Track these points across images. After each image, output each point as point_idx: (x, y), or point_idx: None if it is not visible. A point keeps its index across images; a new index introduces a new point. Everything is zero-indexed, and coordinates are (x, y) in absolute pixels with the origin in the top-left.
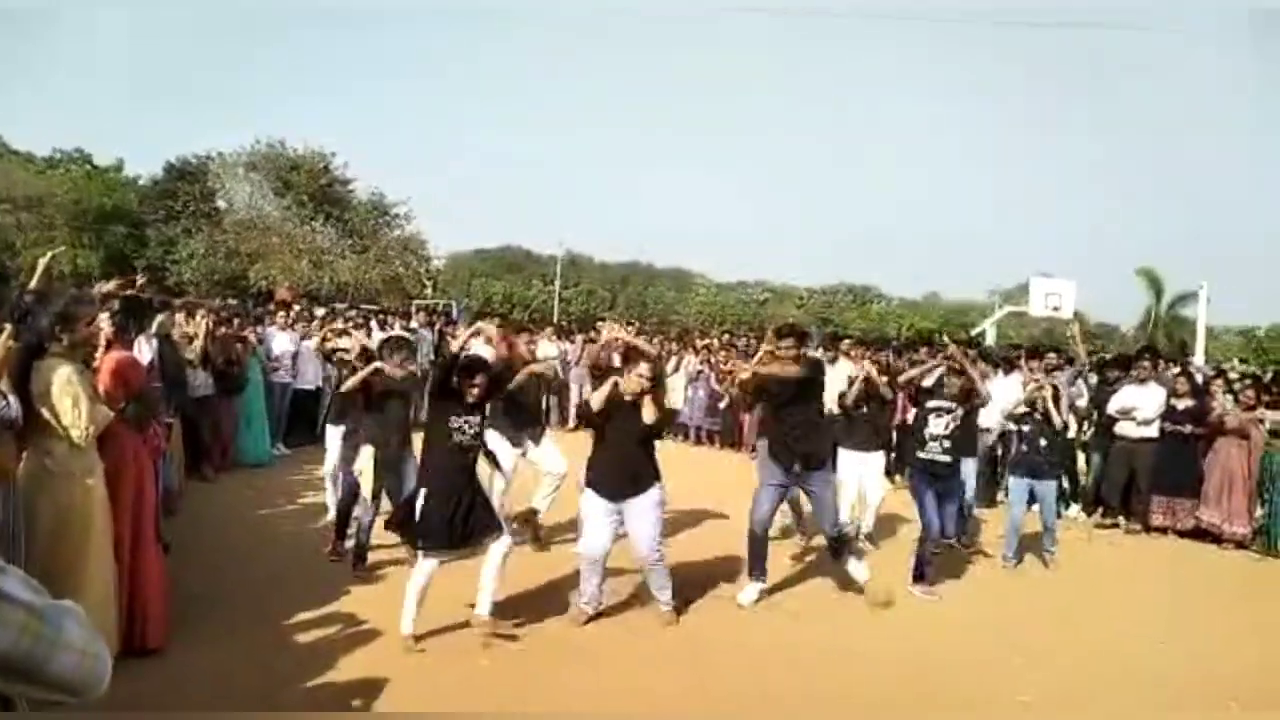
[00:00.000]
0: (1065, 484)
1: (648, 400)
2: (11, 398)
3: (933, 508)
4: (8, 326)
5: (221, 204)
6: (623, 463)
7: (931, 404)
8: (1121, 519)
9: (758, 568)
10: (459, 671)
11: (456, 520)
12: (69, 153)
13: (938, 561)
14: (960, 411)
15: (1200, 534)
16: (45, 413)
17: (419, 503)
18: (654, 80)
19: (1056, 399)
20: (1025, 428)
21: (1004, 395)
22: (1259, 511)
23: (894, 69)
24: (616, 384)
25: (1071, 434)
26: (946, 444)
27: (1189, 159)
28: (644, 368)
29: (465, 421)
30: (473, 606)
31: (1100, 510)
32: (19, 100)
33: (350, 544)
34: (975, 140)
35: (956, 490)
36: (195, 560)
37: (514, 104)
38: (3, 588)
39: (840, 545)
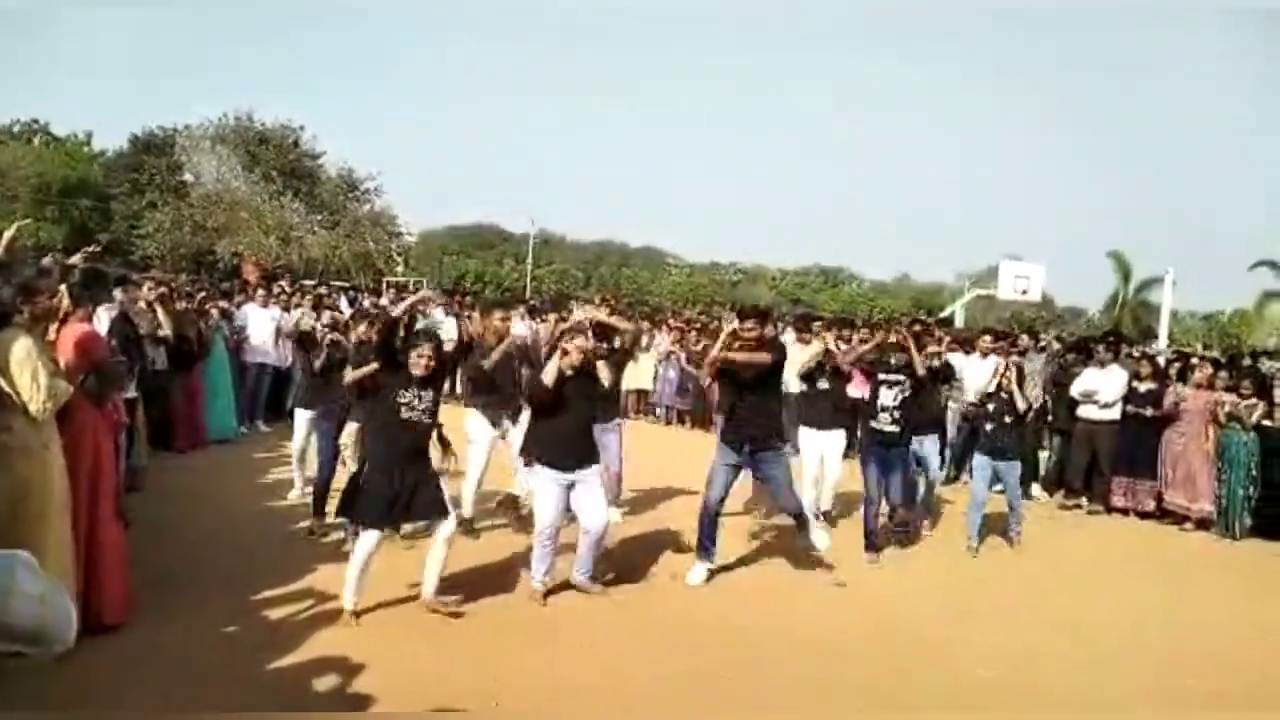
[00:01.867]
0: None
1: (600, 365)
2: None
3: (876, 478)
4: None
5: (188, 177)
6: (574, 437)
7: (881, 376)
8: (1084, 500)
9: (705, 547)
10: (422, 649)
11: (400, 497)
12: (28, 124)
13: (897, 538)
14: (908, 384)
15: (1159, 515)
16: (3, 385)
17: (361, 478)
18: (629, 59)
19: (1021, 381)
20: (990, 408)
21: (975, 376)
22: (1218, 492)
23: (869, 53)
24: (564, 354)
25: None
26: (896, 414)
27: (1160, 145)
28: (580, 340)
29: (415, 396)
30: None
31: (1063, 491)
32: None
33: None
34: (947, 124)
35: (903, 462)
36: (160, 537)
37: (488, 80)
38: None
39: (802, 522)
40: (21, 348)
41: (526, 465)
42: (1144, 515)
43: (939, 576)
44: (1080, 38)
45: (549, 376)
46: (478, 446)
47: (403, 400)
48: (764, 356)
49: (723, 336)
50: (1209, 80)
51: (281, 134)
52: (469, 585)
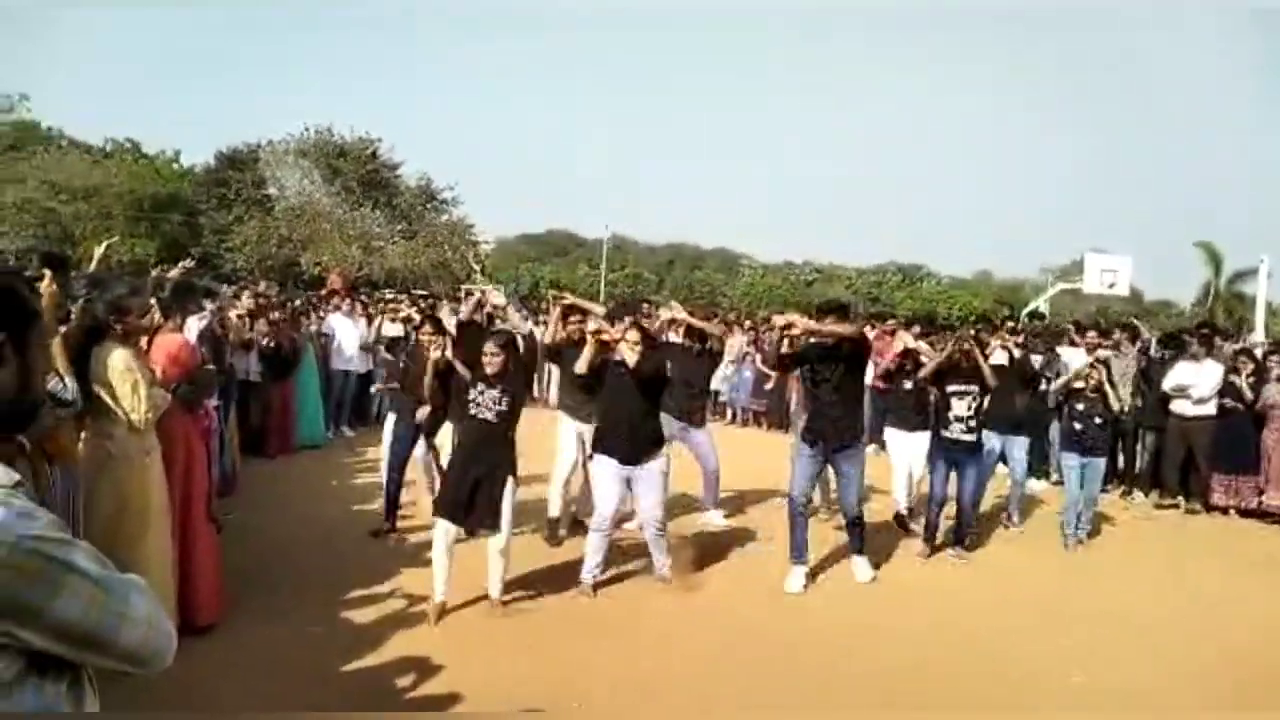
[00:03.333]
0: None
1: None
2: (69, 380)
3: (942, 480)
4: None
5: (273, 191)
6: (631, 429)
7: (952, 387)
8: (1181, 499)
9: (798, 550)
10: (497, 649)
11: (462, 497)
12: (120, 142)
13: (968, 534)
14: (979, 391)
15: (1265, 514)
16: (104, 396)
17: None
18: (701, 62)
19: (1110, 376)
20: (1079, 405)
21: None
22: None
23: (945, 45)
24: (601, 343)
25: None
26: (971, 423)
27: (1247, 130)
28: (634, 334)
29: (482, 394)
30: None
31: (1158, 490)
32: (72, 90)
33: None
34: (1029, 115)
35: (977, 464)
36: (251, 540)
37: (560, 88)
38: (73, 560)
39: (857, 529)
40: (121, 359)
41: (591, 458)
42: (1246, 514)
43: (1028, 577)
44: (1161, 31)
45: (580, 364)
46: (565, 449)
47: (471, 397)
48: (845, 328)
49: (801, 329)
50: None
51: (360, 146)
52: (542, 583)
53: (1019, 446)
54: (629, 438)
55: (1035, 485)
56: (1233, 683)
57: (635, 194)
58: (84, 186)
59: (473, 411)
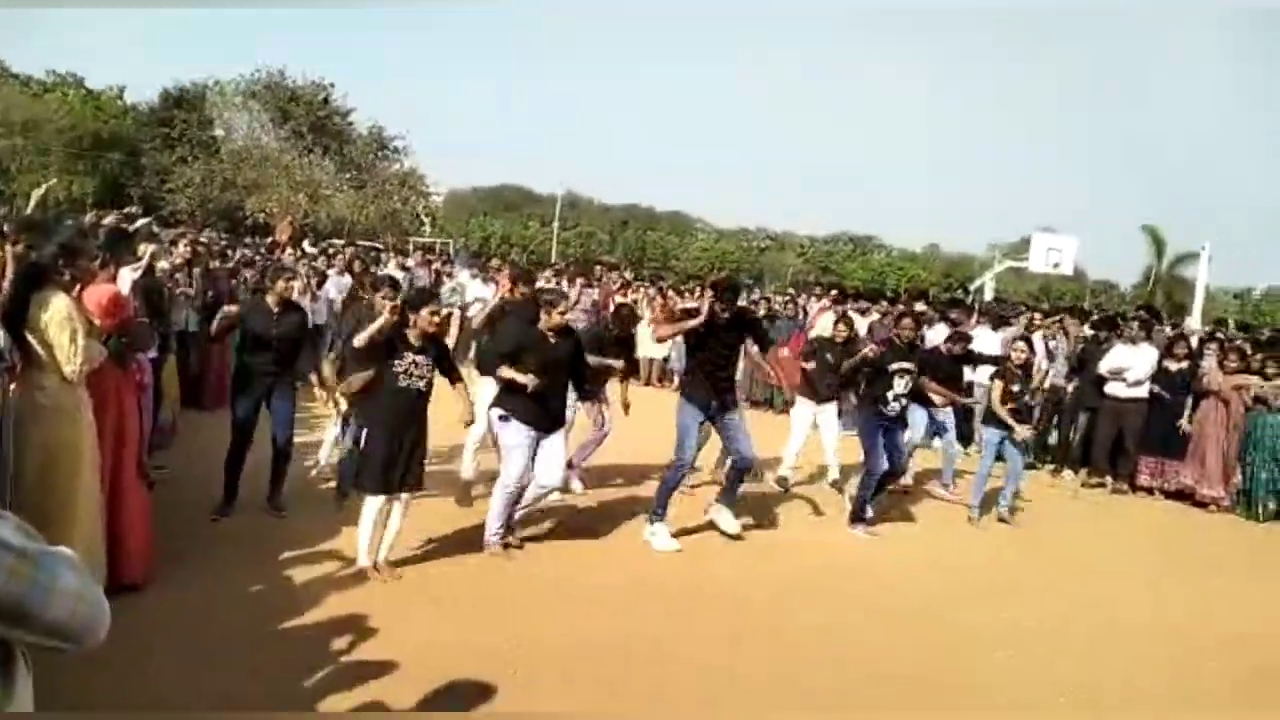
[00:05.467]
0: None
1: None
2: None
3: (880, 452)
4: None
5: (219, 133)
6: (550, 400)
7: (894, 366)
8: (1109, 478)
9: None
10: (435, 608)
11: (397, 464)
12: (63, 76)
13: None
14: (917, 371)
15: (1186, 496)
16: (37, 346)
17: (361, 444)
18: (660, 21)
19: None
20: (1013, 385)
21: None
22: (1237, 476)
23: (901, 21)
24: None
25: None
26: (904, 400)
27: (1196, 118)
28: (563, 307)
29: (413, 363)
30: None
31: (1087, 469)
32: (14, 20)
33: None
34: (979, 91)
35: (901, 430)
36: (186, 496)
37: (518, 41)
38: None
39: (736, 482)
40: (63, 308)
41: (502, 420)
42: (1170, 495)
43: (950, 554)
44: (1116, 16)
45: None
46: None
47: (401, 367)
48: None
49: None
50: (1249, 52)
51: (312, 91)
52: (467, 544)
53: (946, 413)
54: (549, 408)
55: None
56: (1154, 660)
57: (592, 152)
58: (22, 120)
59: (402, 382)
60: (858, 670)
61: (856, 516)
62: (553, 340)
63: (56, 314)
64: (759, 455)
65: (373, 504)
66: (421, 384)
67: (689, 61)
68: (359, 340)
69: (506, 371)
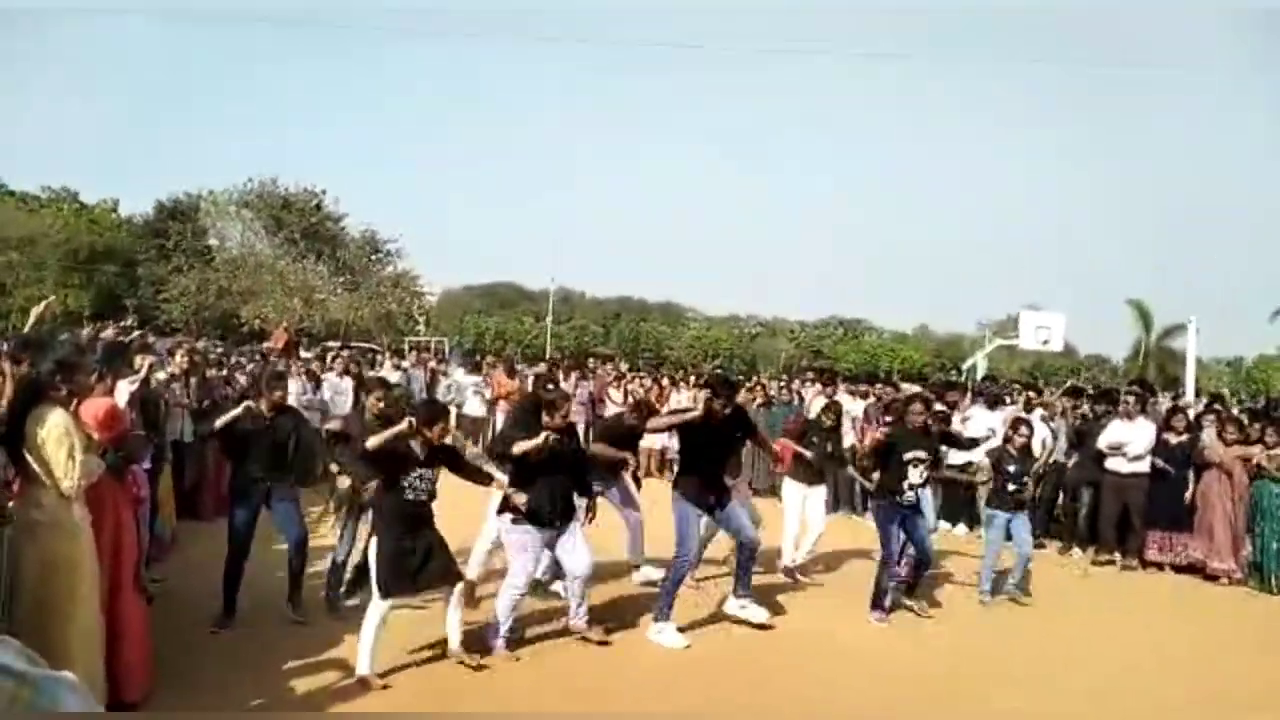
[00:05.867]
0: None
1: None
2: None
3: (897, 540)
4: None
5: (213, 242)
6: (562, 493)
7: (909, 455)
8: (1118, 555)
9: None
10: (439, 710)
11: (413, 564)
12: (58, 191)
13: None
14: (931, 460)
15: (1197, 569)
16: (34, 463)
17: (372, 552)
18: (644, 115)
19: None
20: (1010, 466)
21: (987, 429)
22: (1247, 548)
23: (885, 102)
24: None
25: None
26: (920, 490)
27: (1177, 192)
28: (565, 409)
29: (418, 476)
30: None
31: (1094, 547)
32: (9, 137)
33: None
34: (965, 174)
35: (921, 519)
36: (185, 608)
37: (506, 140)
38: None
39: (748, 564)
40: (60, 424)
41: (513, 524)
42: (1180, 570)
43: (956, 637)
44: (1100, 85)
45: (530, 447)
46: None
47: (405, 483)
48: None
49: (701, 403)
50: (1233, 125)
51: (304, 198)
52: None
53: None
54: (562, 503)
55: (960, 530)
56: None
57: (582, 247)
58: (18, 236)
59: (408, 495)
60: None
61: (876, 603)
62: (556, 439)
63: (54, 430)
64: (762, 542)
65: (376, 611)
66: (425, 495)
67: (674, 156)
68: (372, 443)
69: (518, 446)
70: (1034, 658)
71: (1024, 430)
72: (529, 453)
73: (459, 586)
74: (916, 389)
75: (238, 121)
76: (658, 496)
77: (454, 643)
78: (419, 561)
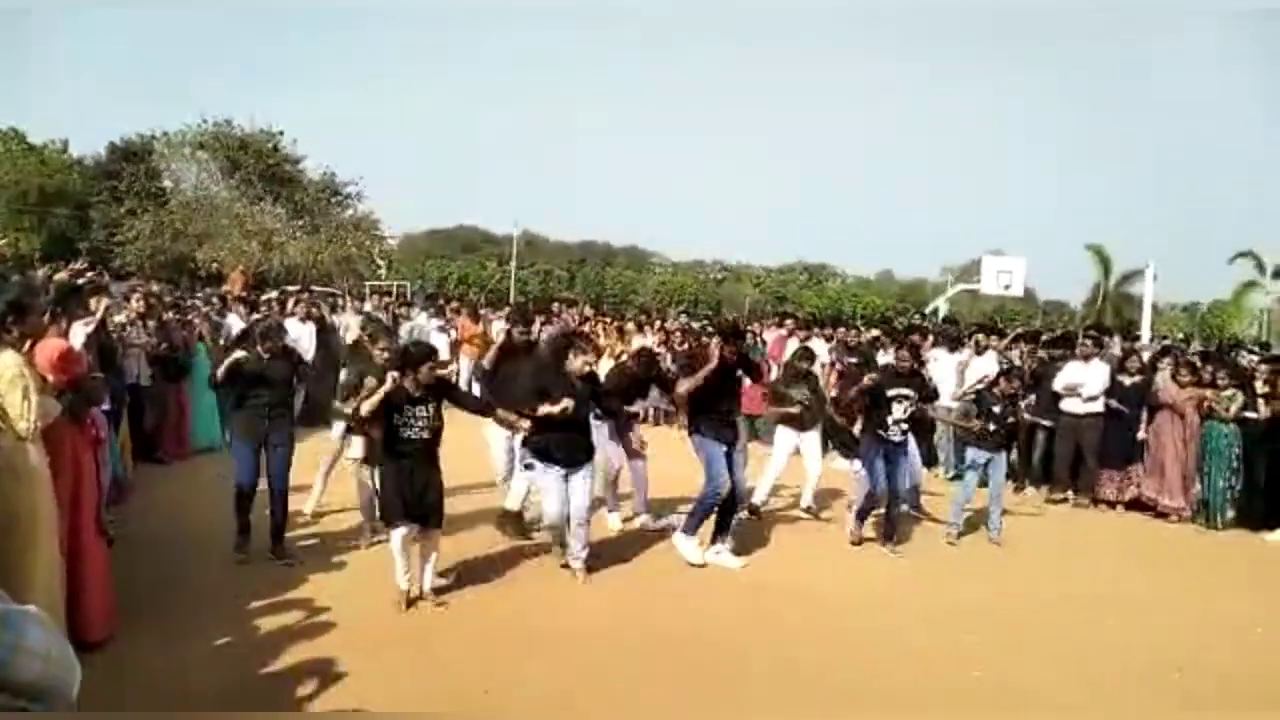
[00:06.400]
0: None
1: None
2: None
3: (881, 473)
4: None
5: (168, 184)
6: (576, 436)
7: (893, 391)
8: (1070, 493)
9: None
10: (408, 653)
11: (412, 495)
12: (3, 131)
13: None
14: (917, 396)
15: (1147, 506)
16: None
17: (375, 485)
18: (609, 58)
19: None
20: (995, 407)
21: (949, 372)
22: (1197, 486)
23: (849, 50)
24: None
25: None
26: (905, 425)
27: (1138, 137)
28: (589, 354)
29: (414, 414)
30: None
31: (1048, 485)
32: None
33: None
34: (928, 118)
35: (906, 460)
36: (145, 551)
37: (469, 81)
38: None
39: (731, 512)
40: (13, 365)
41: (528, 468)
42: (1131, 507)
43: (921, 575)
44: (1061, 32)
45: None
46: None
47: (398, 421)
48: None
49: (713, 364)
50: (1189, 73)
51: (261, 139)
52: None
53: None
54: (575, 445)
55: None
56: (1125, 674)
57: (546, 191)
58: None
59: (404, 434)
60: (826, 689)
61: (859, 517)
62: (576, 383)
63: (6, 371)
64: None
65: (398, 534)
66: (425, 433)
67: (638, 95)
68: (366, 409)
69: (542, 409)
70: (998, 595)
71: (1013, 376)
72: (550, 398)
73: (435, 533)
74: (877, 332)
75: (194, 60)
76: (665, 444)
77: (426, 584)
78: (417, 492)
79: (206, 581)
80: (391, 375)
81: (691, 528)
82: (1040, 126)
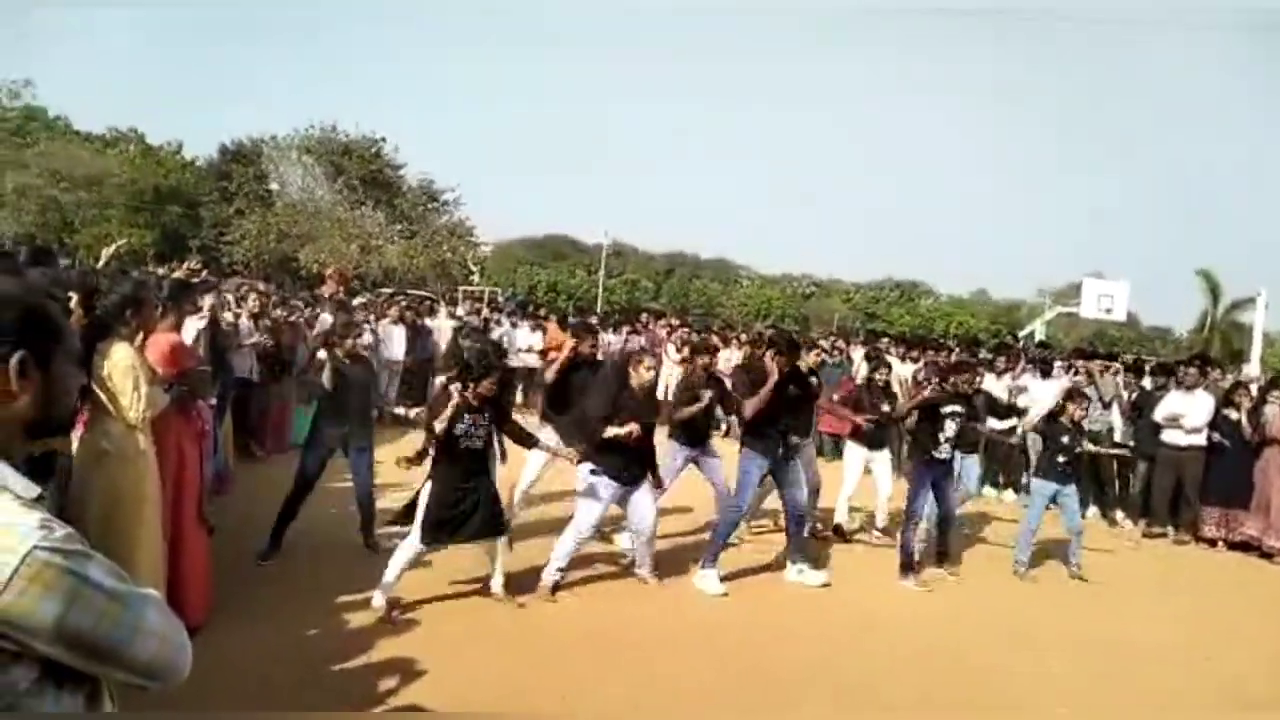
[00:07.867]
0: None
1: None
2: None
3: (924, 499)
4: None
5: (274, 186)
6: (638, 449)
7: (947, 409)
8: (1170, 528)
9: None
10: (489, 654)
11: (458, 515)
12: (124, 132)
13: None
14: (966, 415)
15: (1252, 547)
16: (102, 394)
17: (422, 496)
18: (706, 74)
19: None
20: (1063, 437)
21: (1041, 398)
22: None
23: (949, 67)
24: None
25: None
26: (955, 443)
27: (1251, 163)
28: (650, 363)
29: (473, 423)
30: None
31: (1146, 519)
32: (78, 77)
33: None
34: (1033, 137)
35: (951, 480)
36: (243, 542)
37: (565, 93)
38: (88, 574)
39: (799, 529)
40: (126, 357)
41: (593, 474)
42: (1235, 547)
43: (992, 602)
44: (1169, 52)
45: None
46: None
47: (459, 431)
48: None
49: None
50: None
51: (364, 145)
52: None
53: (970, 462)
54: (637, 458)
55: (1008, 496)
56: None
57: (636, 201)
58: (86, 175)
59: (463, 444)
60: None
61: (906, 567)
62: (641, 397)
63: (120, 363)
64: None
65: (410, 548)
66: (480, 443)
67: (732, 109)
68: (439, 426)
69: (610, 431)
70: (1074, 629)
71: (1082, 402)
72: (619, 416)
73: (502, 539)
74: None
75: (301, 66)
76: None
77: (496, 584)
78: (466, 512)
79: (300, 574)
80: (455, 388)
81: (711, 558)
82: (1146, 146)
